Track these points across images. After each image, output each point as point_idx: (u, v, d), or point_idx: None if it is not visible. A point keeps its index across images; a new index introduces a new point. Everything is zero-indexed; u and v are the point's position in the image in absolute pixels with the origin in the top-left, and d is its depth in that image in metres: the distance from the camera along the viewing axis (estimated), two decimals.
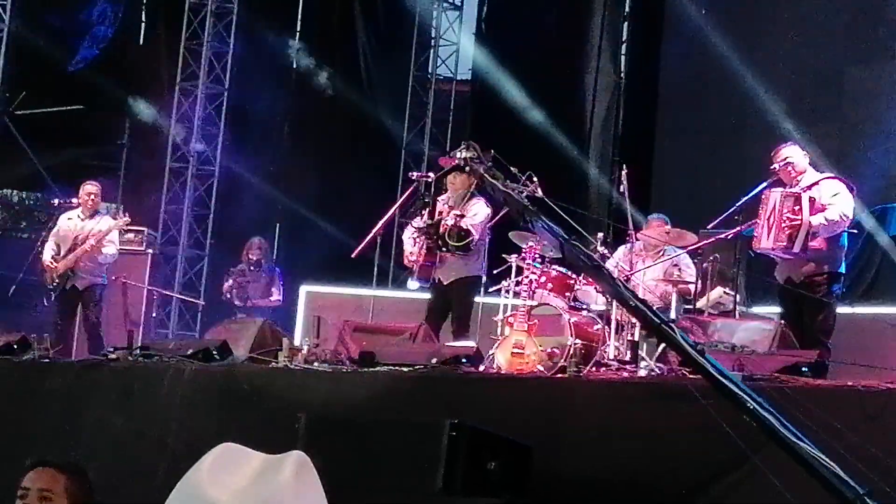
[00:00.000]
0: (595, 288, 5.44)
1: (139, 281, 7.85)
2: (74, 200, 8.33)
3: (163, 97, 9.72)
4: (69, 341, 6.78)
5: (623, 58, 9.90)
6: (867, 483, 1.61)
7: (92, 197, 6.87)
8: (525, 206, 2.43)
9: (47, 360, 5.57)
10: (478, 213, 5.86)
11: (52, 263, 6.73)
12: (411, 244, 5.91)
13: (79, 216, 6.90)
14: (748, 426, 3.11)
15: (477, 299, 6.00)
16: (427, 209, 5.09)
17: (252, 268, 8.01)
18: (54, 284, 6.72)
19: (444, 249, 5.39)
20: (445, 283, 5.87)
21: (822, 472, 1.46)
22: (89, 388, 5.10)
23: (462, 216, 5.80)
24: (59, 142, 9.47)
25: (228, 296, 7.98)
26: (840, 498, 1.49)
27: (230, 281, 8.00)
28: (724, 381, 1.62)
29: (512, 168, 2.89)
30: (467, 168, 2.76)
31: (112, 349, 5.71)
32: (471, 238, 5.33)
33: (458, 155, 2.76)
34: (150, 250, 8.37)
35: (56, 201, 8.51)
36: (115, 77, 9.43)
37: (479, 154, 2.74)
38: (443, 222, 5.63)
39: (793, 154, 5.32)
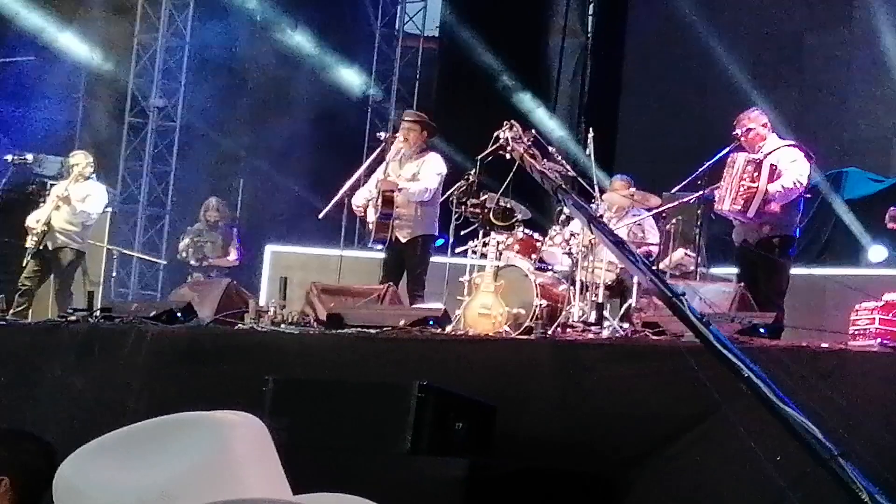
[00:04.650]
0: (560, 250, 5.50)
1: (98, 240, 7.73)
2: (29, 156, 8.17)
3: (121, 49, 9.48)
4: (32, 304, 6.69)
5: (590, 18, 9.88)
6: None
7: (74, 167, 6.89)
8: (559, 185, 2.49)
9: (3, 323, 5.47)
10: (434, 166, 5.82)
11: (32, 226, 6.73)
12: (363, 204, 5.83)
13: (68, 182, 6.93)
14: (713, 383, 3.22)
15: (444, 260, 6.01)
16: (472, 188, 5.07)
17: (209, 228, 7.94)
18: (33, 245, 6.70)
19: (489, 228, 5.38)
20: (403, 242, 5.82)
21: (802, 435, 1.54)
22: (47, 350, 5.01)
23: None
24: (11, 93, 9.21)
25: (184, 255, 7.91)
26: (816, 458, 1.57)
27: (186, 240, 7.93)
28: (724, 350, 1.72)
29: (550, 147, 2.94)
30: (509, 147, 2.81)
31: (72, 310, 5.62)
32: (515, 217, 5.33)
33: (502, 135, 2.79)
34: (109, 208, 8.24)
35: (9, 157, 8.35)
36: (70, 28, 9.15)
37: (519, 134, 2.78)
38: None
39: (754, 121, 5.41)
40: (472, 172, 5.13)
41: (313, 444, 3.57)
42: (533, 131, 2.85)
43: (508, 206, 5.27)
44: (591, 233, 3.09)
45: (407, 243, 5.83)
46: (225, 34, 9.47)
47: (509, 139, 2.77)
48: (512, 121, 2.83)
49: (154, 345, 4.77)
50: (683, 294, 1.84)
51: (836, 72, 8.80)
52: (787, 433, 1.62)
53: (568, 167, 2.80)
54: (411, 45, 10.36)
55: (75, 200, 6.67)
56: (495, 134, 2.93)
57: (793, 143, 5.46)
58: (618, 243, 2.09)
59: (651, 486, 3.79)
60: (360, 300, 5.16)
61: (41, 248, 6.66)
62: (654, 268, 5.77)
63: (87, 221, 6.86)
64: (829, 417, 3.10)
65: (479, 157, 4.27)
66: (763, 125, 5.42)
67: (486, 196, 5.21)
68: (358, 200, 5.87)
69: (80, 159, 6.93)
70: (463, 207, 5.29)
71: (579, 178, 3.17)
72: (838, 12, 8.77)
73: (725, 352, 1.68)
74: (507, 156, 2.99)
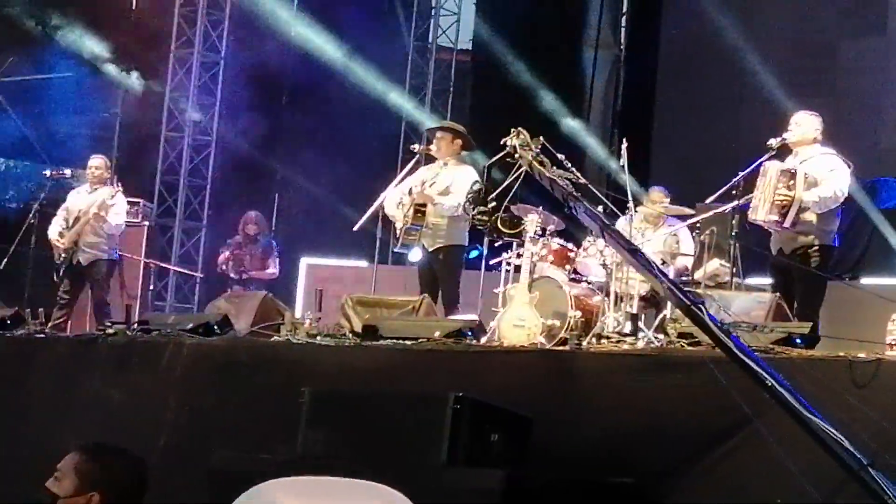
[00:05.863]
0: (595, 261, 5.49)
1: (136, 253, 7.85)
2: (67, 171, 8.27)
3: (157, 64, 9.63)
4: (70, 316, 6.77)
5: (623, 30, 9.87)
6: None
7: (93, 170, 6.85)
8: (570, 192, 2.48)
9: (42, 336, 5.53)
10: (467, 181, 5.80)
11: (57, 240, 6.74)
12: (394, 208, 5.85)
13: (86, 191, 6.89)
14: (748, 395, 3.21)
15: (478, 272, 6.02)
16: (480, 195, 5.08)
17: (249, 241, 8.05)
18: (61, 260, 6.71)
19: (496, 237, 5.39)
20: (430, 250, 5.83)
21: (830, 445, 1.54)
22: (86, 363, 5.05)
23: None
24: (48, 109, 9.38)
25: (224, 268, 8.02)
26: (846, 468, 1.56)
27: (226, 253, 8.05)
28: (746, 359, 1.71)
29: (559, 155, 2.90)
30: (517, 155, 2.80)
31: (110, 323, 5.69)
32: (522, 227, 5.36)
33: (510, 142, 2.79)
34: (147, 222, 8.38)
35: (48, 172, 8.47)
36: (107, 43, 9.31)
37: (527, 141, 2.77)
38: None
39: (805, 122, 5.33)
40: (480, 180, 5.14)
41: (349, 455, 3.59)
42: (541, 138, 2.86)
43: (516, 213, 5.31)
44: (605, 241, 3.09)
45: (433, 252, 5.83)
46: (260, 49, 9.59)
47: (517, 146, 2.77)
48: (520, 128, 2.84)
49: (191, 357, 4.82)
50: (702, 302, 1.84)
51: (871, 80, 8.71)
52: (816, 443, 1.61)
53: (579, 175, 2.79)
54: (444, 58, 10.42)
55: (101, 210, 6.62)
56: (502, 141, 2.94)
57: (832, 152, 5.39)
58: (632, 251, 2.09)
59: (686, 498, 3.77)
60: (395, 312, 5.18)
61: (73, 263, 6.66)
62: (684, 278, 5.77)
63: (115, 231, 6.78)
64: (863, 428, 3.07)
65: (486, 164, 4.34)
66: (816, 129, 5.36)
67: (493, 204, 5.23)
68: (389, 209, 5.89)
69: (96, 163, 6.87)
70: (470, 215, 5.30)
71: (591, 186, 3.10)
72: (873, 21, 8.69)
73: (748, 360, 1.68)
74: (521, 164, 3.01)
